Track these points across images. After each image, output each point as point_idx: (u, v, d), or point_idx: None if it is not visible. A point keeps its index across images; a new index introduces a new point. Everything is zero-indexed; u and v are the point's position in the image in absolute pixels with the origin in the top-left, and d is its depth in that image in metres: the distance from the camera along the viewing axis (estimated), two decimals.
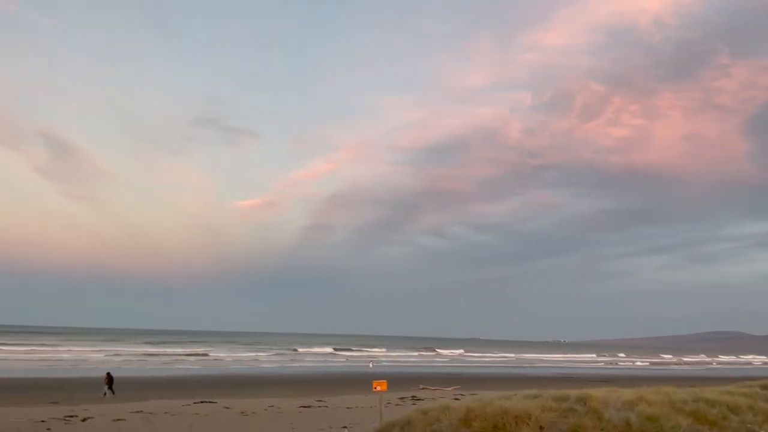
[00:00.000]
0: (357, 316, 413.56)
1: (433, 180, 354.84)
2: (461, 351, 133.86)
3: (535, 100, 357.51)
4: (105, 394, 33.19)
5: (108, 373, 34.74)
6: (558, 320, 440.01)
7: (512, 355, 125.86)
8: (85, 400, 29.51)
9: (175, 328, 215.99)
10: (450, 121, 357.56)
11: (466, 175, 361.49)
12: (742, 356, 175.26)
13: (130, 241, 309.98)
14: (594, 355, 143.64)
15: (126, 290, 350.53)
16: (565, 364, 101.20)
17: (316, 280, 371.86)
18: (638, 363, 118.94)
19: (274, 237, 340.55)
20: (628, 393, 13.75)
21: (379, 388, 18.59)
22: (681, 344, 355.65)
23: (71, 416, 23.45)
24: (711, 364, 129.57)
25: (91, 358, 72.03)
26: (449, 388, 41.53)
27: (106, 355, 76.30)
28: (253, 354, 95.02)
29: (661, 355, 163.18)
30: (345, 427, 20.54)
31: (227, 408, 27.02)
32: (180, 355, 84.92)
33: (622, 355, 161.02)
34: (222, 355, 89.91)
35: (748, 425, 12.74)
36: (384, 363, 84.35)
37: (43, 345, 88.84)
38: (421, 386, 42.26)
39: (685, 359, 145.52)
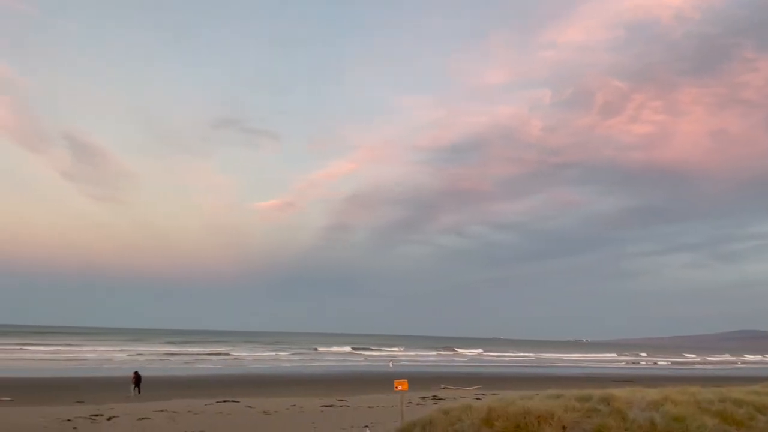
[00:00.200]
0: (375, 316, 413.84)
1: (453, 179, 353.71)
2: (480, 350, 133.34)
3: (555, 97, 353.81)
4: (133, 393, 33.63)
5: (135, 373, 35.22)
6: (580, 319, 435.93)
7: (532, 354, 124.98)
8: (110, 399, 29.92)
9: (196, 328, 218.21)
10: (469, 119, 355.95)
11: (485, 174, 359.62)
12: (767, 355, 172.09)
13: (152, 241, 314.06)
14: (615, 355, 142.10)
15: (148, 290, 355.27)
16: (586, 364, 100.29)
17: (336, 280, 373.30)
18: (661, 362, 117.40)
19: (294, 237, 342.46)
20: (652, 393, 13.59)
21: (400, 387, 18.62)
22: (705, 344, 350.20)
23: (97, 415, 23.82)
24: (736, 363, 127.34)
25: (115, 357, 73.12)
26: (470, 388, 41.39)
27: (129, 355, 77.36)
28: (274, 353, 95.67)
29: (685, 355, 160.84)
30: (366, 426, 20.59)
31: (250, 407, 27.24)
32: (202, 354, 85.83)
33: (643, 354, 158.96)
34: (243, 354, 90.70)
35: None
36: (403, 362, 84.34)
37: (68, 345, 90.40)
38: (443, 386, 42.20)
39: (709, 359, 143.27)
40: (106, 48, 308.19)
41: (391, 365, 73.05)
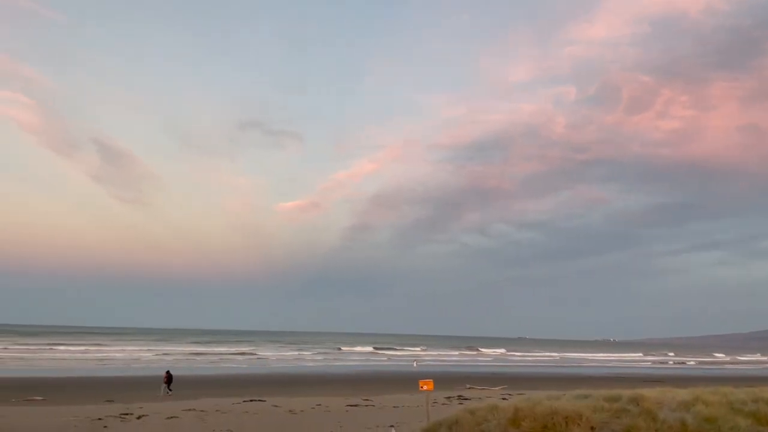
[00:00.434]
0: (397, 316, 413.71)
1: (476, 177, 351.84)
2: (503, 350, 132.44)
3: (579, 94, 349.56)
4: (164, 392, 34.09)
5: (167, 372, 35.72)
6: (607, 319, 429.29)
7: (556, 354, 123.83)
8: (139, 399, 30.37)
9: (221, 328, 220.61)
10: (492, 117, 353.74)
11: (509, 172, 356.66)
12: None
13: (178, 242, 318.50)
14: (641, 354, 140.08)
15: (173, 291, 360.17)
16: (613, 364, 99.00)
17: (359, 280, 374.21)
18: (690, 362, 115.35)
19: (318, 238, 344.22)
20: (682, 393, 13.39)
21: (425, 387, 18.61)
22: (734, 342, 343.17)
23: (126, 414, 24.22)
24: (767, 363, 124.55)
25: (143, 357, 74.27)
26: (496, 388, 41.16)
27: (155, 355, 78.51)
28: (298, 353, 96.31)
29: (714, 354, 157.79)
30: (392, 426, 20.60)
31: (276, 406, 27.46)
32: (227, 354, 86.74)
33: (671, 354, 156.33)
34: (268, 354, 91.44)
35: None
36: (427, 362, 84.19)
37: (96, 345, 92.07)
38: (468, 386, 42.04)
39: (739, 358, 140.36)
40: (132, 53, 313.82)
41: (415, 365, 72.94)
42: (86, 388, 36.85)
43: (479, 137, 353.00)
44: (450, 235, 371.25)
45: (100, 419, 22.74)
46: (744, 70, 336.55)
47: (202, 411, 25.49)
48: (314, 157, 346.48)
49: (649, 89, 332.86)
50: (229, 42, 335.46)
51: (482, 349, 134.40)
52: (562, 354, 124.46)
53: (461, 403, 27.50)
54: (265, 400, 29.78)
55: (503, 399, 25.18)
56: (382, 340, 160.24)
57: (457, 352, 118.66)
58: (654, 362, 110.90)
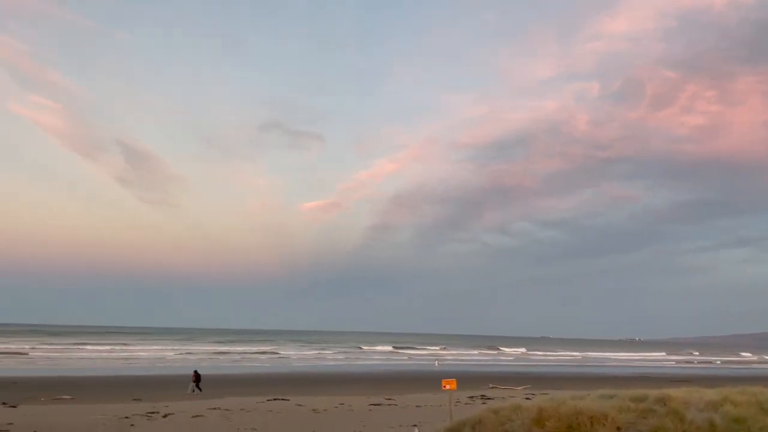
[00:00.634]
0: (417, 315, 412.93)
1: (497, 176, 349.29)
2: (524, 349, 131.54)
3: (602, 90, 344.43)
4: (193, 390, 34.51)
5: (195, 372, 36.18)
6: (632, 318, 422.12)
7: (578, 353, 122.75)
8: (165, 397, 30.78)
9: (243, 328, 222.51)
10: (513, 115, 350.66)
11: (530, 170, 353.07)
12: None
13: (201, 243, 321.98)
14: (664, 354, 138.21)
15: (197, 291, 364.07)
16: (636, 363, 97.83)
17: (379, 280, 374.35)
18: (717, 361, 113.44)
19: (339, 237, 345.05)
20: (710, 393, 13.19)
21: (448, 386, 18.61)
22: (762, 342, 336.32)
23: (153, 413, 24.57)
24: None
25: (167, 356, 75.29)
26: (519, 387, 40.96)
27: (179, 354, 79.55)
28: (320, 352, 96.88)
29: (741, 354, 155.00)
30: (415, 425, 20.64)
31: (299, 405, 27.66)
32: (249, 353, 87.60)
33: (695, 353, 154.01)
34: (289, 353, 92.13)
35: None
36: (448, 362, 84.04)
37: (122, 344, 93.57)
38: (491, 385, 41.90)
39: (767, 357, 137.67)
40: (156, 56, 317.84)
41: (437, 364, 72.90)
42: (113, 386, 37.48)
43: (500, 135, 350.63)
44: (471, 234, 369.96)
45: (127, 418, 23.11)
46: None
47: (226, 410, 25.78)
48: (335, 157, 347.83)
49: (673, 84, 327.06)
50: (251, 45, 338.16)
51: (503, 348, 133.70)
52: (584, 353, 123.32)
53: (484, 403, 27.43)
54: (288, 399, 30.01)
55: (527, 399, 25.05)
56: (401, 339, 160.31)
57: (476, 351, 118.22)
58: (678, 362, 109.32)
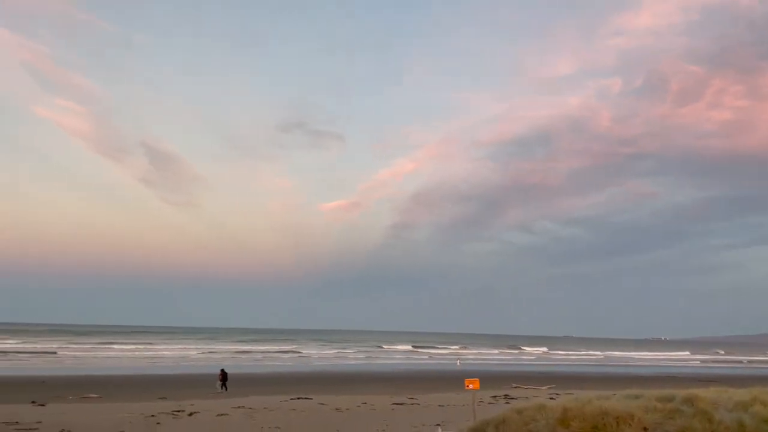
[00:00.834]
0: (437, 314, 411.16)
1: (518, 174, 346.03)
2: (545, 349, 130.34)
3: (625, 86, 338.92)
4: (221, 388, 34.77)
5: (222, 370, 36.49)
6: (657, 317, 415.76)
7: (599, 352, 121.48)
8: (190, 396, 31.13)
9: (264, 327, 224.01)
10: (534, 112, 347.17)
11: (552, 168, 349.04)
12: None
13: (223, 243, 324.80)
14: (688, 353, 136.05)
15: (219, 290, 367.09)
16: (660, 363, 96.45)
17: (399, 279, 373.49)
18: (745, 361, 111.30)
19: (360, 237, 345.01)
20: (739, 393, 12.97)
21: (471, 386, 18.59)
22: None
23: (178, 411, 24.92)
24: None
25: (190, 355, 76.16)
26: (543, 387, 40.65)
27: (202, 353, 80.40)
28: (341, 351, 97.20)
29: None
30: (438, 424, 20.62)
31: (322, 404, 27.81)
32: (271, 352, 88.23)
33: (720, 352, 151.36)
34: (311, 352, 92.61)
35: None
36: (470, 361, 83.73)
37: (146, 344, 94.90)
38: (514, 385, 41.66)
39: None
40: (178, 59, 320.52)
41: (458, 363, 72.67)
42: (139, 385, 38.02)
43: (522, 133, 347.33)
44: (492, 232, 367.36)
45: (153, 416, 23.46)
46: None
47: (250, 408, 26.03)
48: (355, 156, 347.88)
49: (698, 79, 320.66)
50: (270, 46, 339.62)
51: (524, 348, 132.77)
52: (606, 353, 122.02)
53: (507, 402, 27.31)
54: (311, 398, 30.18)
55: (550, 399, 24.87)
56: (421, 339, 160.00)
57: (497, 351, 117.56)
58: (704, 361, 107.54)
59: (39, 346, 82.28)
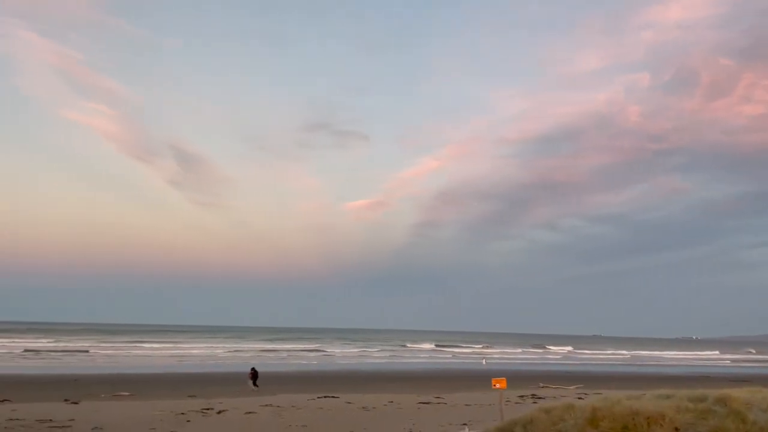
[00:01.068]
0: (460, 313, 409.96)
1: (544, 171, 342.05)
2: (570, 348, 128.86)
3: (654, 80, 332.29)
4: (251, 388, 35.02)
5: (253, 369, 36.87)
6: (688, 316, 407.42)
7: (626, 352, 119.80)
8: (218, 394, 31.56)
9: (289, 326, 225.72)
10: (561, 109, 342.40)
11: (579, 165, 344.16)
12: None
13: (250, 243, 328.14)
14: (717, 352, 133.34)
15: (245, 290, 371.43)
16: (690, 362, 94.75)
17: (424, 278, 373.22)
18: None
19: (385, 236, 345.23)
20: None
21: (498, 385, 18.51)
22: None
23: (208, 409, 25.30)
24: None
25: (218, 354, 77.12)
26: (571, 387, 40.24)
27: (229, 352, 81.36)
28: (366, 350, 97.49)
29: None
30: (465, 424, 20.59)
31: (349, 403, 27.94)
32: (296, 351, 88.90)
33: (753, 351, 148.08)
34: (335, 351, 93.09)
35: None
36: (495, 360, 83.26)
37: (174, 342, 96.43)
38: (541, 384, 41.33)
39: None
40: (205, 62, 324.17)
41: (484, 362, 72.34)
42: (169, 383, 38.61)
43: (548, 130, 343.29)
44: (518, 230, 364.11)
45: (183, 414, 23.85)
46: None
47: (278, 406, 26.29)
48: (380, 155, 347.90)
49: (730, 73, 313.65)
50: (295, 47, 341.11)
51: (549, 347, 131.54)
52: (632, 352, 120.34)
53: (535, 402, 27.12)
54: (338, 397, 30.33)
55: (579, 398, 24.61)
56: (443, 338, 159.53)
57: (520, 350, 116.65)
58: (734, 360, 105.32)
59: (72, 345, 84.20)
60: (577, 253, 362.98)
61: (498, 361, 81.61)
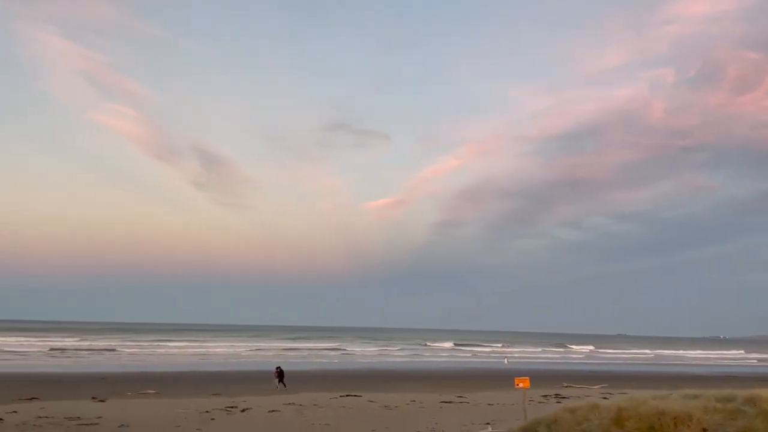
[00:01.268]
0: (481, 312, 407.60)
1: (567, 169, 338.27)
2: (592, 347, 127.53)
3: (679, 75, 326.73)
4: (276, 387, 35.13)
5: (278, 368, 36.95)
6: (715, 314, 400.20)
7: (649, 351, 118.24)
8: (241, 392, 31.89)
9: (309, 325, 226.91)
10: (583, 106, 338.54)
11: (603, 162, 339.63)
12: None
13: (272, 243, 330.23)
14: (742, 352, 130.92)
15: (265, 289, 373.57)
16: (716, 362, 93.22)
17: (444, 276, 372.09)
18: None
19: (406, 235, 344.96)
20: None
21: (521, 385, 18.44)
22: None
23: (231, 407, 25.56)
24: None
25: (240, 353, 77.85)
26: (595, 386, 39.87)
27: (250, 350, 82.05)
28: (385, 349, 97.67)
29: None
30: (488, 423, 20.54)
31: (371, 402, 28.03)
32: (317, 350, 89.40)
33: None
34: (356, 350, 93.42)
35: None
36: (516, 359, 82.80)
37: (196, 341, 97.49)
38: (565, 384, 41.01)
39: None
40: (225, 62, 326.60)
41: (506, 362, 71.99)
42: (193, 381, 39.09)
43: (570, 127, 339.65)
44: (541, 228, 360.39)
45: (207, 412, 24.13)
46: None
47: (301, 405, 26.47)
48: (400, 154, 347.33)
49: (757, 67, 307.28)
50: (314, 47, 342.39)
51: (570, 346, 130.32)
52: (656, 351, 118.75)
53: (559, 402, 26.94)
54: (360, 396, 30.42)
55: (604, 398, 24.39)
56: (463, 337, 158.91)
57: (540, 349, 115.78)
58: (761, 360, 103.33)
59: (99, 344, 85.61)
60: (600, 251, 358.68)
61: (519, 360, 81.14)
